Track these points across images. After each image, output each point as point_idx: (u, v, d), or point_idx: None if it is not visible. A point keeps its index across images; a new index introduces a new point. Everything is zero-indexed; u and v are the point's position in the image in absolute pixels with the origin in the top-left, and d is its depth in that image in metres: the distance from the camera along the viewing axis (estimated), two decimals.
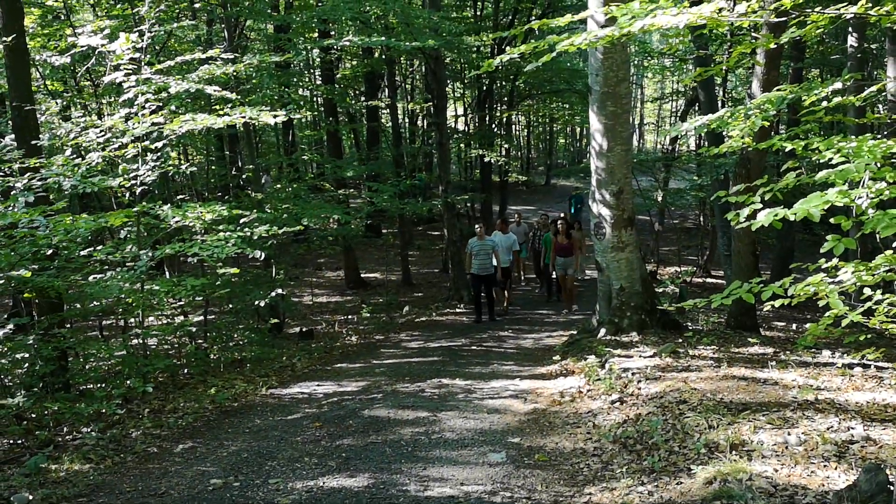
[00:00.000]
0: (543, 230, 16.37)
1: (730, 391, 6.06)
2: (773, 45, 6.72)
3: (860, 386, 6.13)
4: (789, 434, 4.73)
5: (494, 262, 13.65)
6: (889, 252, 4.91)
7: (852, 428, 4.76)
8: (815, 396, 5.66)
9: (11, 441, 6.57)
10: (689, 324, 10.82)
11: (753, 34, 11.34)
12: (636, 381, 6.89)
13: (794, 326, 12.35)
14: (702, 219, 22.00)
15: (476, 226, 14.48)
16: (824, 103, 5.62)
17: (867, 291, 5.30)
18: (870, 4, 4.85)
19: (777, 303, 5.07)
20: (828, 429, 4.79)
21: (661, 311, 9.64)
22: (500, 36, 19.69)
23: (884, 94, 12.29)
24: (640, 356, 8.01)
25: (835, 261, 5.02)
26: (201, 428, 6.83)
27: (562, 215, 17.50)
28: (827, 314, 4.93)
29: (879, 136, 5.02)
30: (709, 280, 18.69)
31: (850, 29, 13.72)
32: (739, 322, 10.08)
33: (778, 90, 5.80)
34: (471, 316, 14.41)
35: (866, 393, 5.86)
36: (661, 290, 14.80)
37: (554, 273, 15.14)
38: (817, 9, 5.02)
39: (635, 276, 9.54)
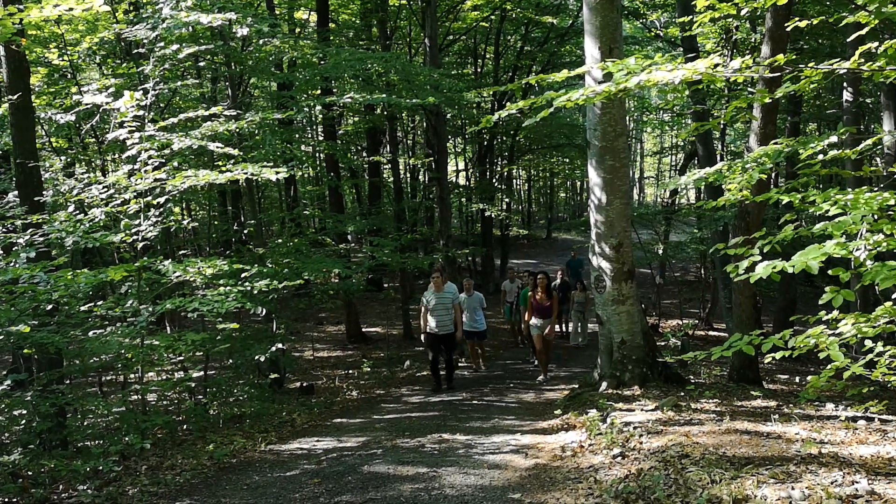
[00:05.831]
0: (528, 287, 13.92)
1: (732, 445, 5.99)
2: (768, 100, 6.80)
3: (864, 439, 6.06)
4: (793, 489, 4.66)
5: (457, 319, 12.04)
6: (889, 303, 4.91)
7: (857, 482, 4.69)
8: (819, 450, 5.60)
9: (7, 500, 6.47)
10: (692, 377, 10.75)
11: (750, 89, 11.50)
12: (638, 436, 6.82)
13: (797, 379, 12.26)
14: (703, 271, 22.00)
15: (433, 274, 12.30)
16: (820, 156, 5.68)
17: (868, 343, 5.29)
18: (862, 60, 4.94)
19: (778, 355, 5.06)
20: (832, 483, 4.72)
21: (662, 365, 9.57)
22: (500, 91, 19.97)
23: (880, 146, 12.41)
24: (642, 410, 7.94)
25: (835, 313, 5.01)
26: (199, 485, 6.74)
27: (559, 270, 17.46)
28: (829, 367, 4.91)
29: (877, 189, 5.05)
30: (711, 333, 18.61)
31: (845, 83, 13.94)
32: (742, 375, 10.01)
33: (775, 144, 5.85)
34: (471, 369, 14.25)
35: (870, 446, 5.79)
36: (662, 343, 14.72)
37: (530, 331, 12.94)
38: (811, 64, 5.10)
39: (636, 329, 9.51)
